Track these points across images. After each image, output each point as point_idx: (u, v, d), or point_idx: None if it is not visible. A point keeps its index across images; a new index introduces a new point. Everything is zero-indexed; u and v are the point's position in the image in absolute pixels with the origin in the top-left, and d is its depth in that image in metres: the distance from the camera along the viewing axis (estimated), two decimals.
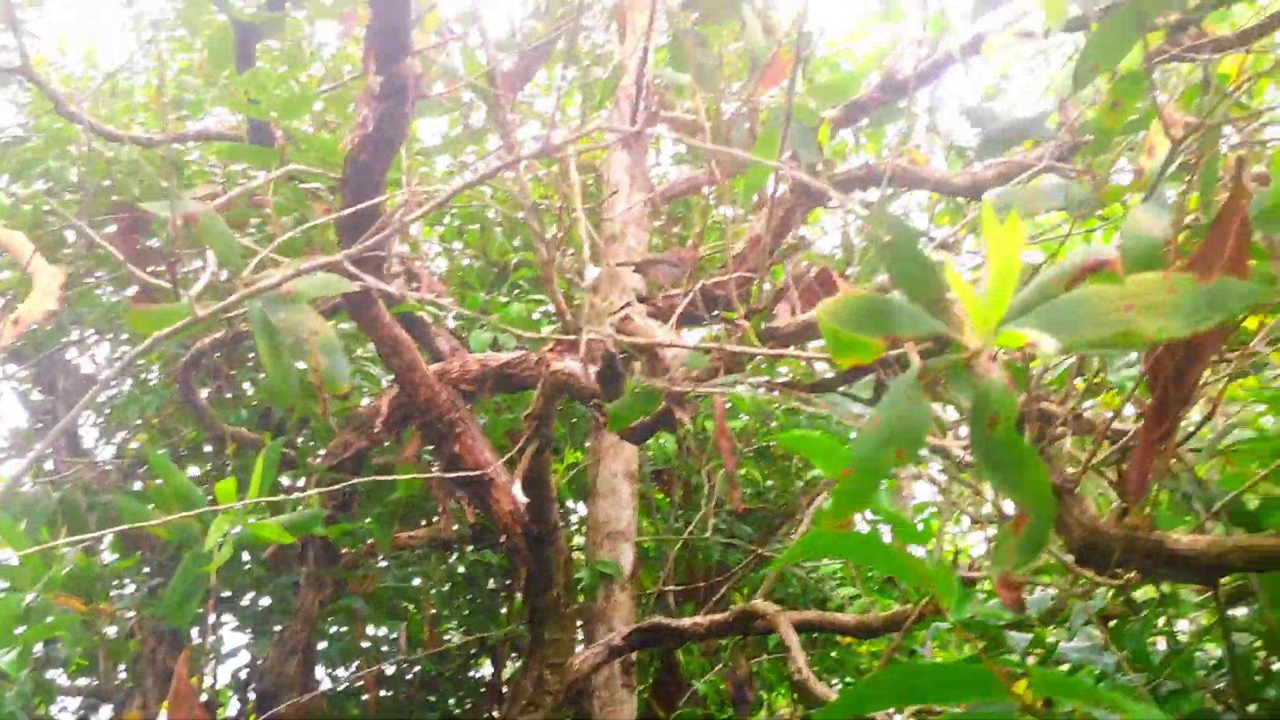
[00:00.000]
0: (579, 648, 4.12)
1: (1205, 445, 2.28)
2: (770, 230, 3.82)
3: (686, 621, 3.88)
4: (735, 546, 5.36)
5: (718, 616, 3.83)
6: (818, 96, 2.90)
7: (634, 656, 4.59)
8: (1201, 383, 2.21)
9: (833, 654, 5.48)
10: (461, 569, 5.23)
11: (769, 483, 5.78)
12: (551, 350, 3.58)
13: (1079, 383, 2.23)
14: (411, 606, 5.20)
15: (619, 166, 4.95)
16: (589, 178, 5.32)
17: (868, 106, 3.65)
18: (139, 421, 5.06)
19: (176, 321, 1.97)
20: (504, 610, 5.47)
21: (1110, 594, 2.28)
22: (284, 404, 4.39)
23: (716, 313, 3.43)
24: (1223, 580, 2.17)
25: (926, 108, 4.24)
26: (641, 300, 3.83)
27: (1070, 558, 2.18)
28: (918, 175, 3.74)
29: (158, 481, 3.49)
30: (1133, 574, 2.24)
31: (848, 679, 5.37)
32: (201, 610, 3.06)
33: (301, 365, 2.24)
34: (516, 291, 5.12)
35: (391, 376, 3.78)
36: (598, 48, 5.48)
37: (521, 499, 3.36)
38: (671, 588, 5.33)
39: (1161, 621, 2.27)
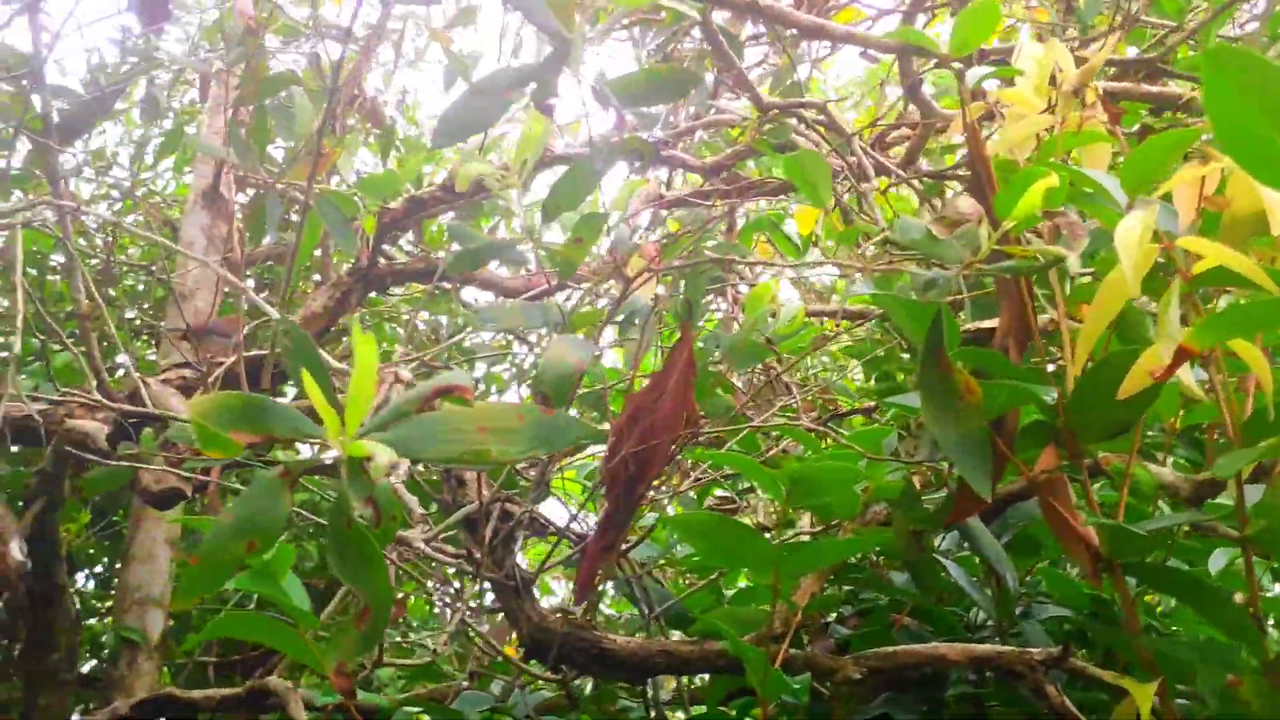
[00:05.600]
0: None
1: (652, 555, 2.50)
2: (327, 311, 3.90)
3: (199, 694, 3.80)
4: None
5: (229, 691, 3.77)
6: (364, 191, 3.01)
7: None
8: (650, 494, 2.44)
9: None
10: None
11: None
12: (80, 407, 3.48)
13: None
14: None
15: (195, 225, 4.87)
16: (165, 233, 5.21)
17: (430, 204, 3.80)
18: None
19: None
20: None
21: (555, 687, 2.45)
22: None
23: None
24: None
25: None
26: (187, 365, 3.80)
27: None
28: (473, 275, 3.91)
29: None
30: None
31: None
32: None
33: None
34: (72, 339, 4.93)
35: None
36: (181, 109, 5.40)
37: (18, 556, 3.23)
38: (210, 659, 5.19)
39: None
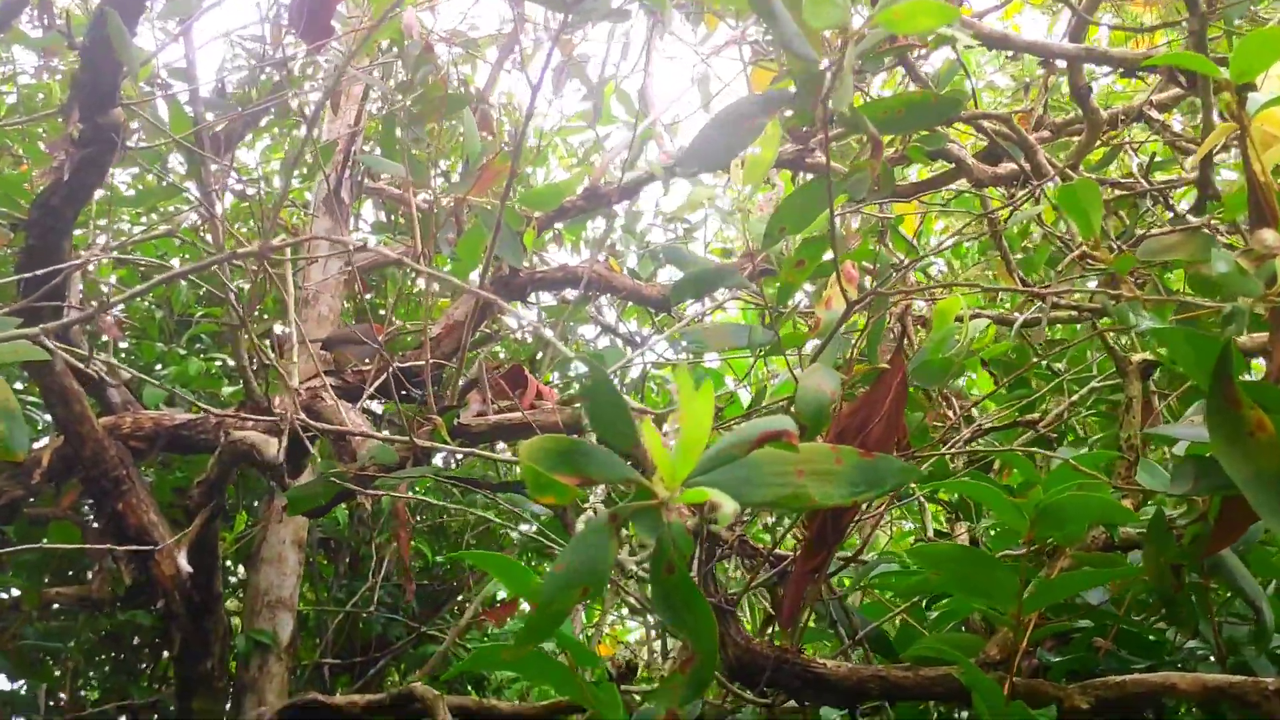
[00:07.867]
0: None
1: (854, 577, 2.48)
2: (470, 321, 3.90)
3: (343, 699, 3.81)
4: (398, 621, 5.32)
5: (375, 696, 3.78)
6: (525, 204, 3.01)
7: None
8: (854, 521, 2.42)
9: None
10: (108, 627, 4.96)
11: (439, 558, 5.76)
12: (234, 415, 3.49)
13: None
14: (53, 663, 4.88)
15: (319, 230, 4.90)
16: (288, 238, 5.24)
17: (570, 211, 3.81)
18: None
19: None
20: (147, 671, 5.21)
21: (757, 711, 2.43)
22: None
23: (405, 392, 3.45)
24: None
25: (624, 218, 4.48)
26: (330, 373, 3.81)
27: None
28: (611, 282, 3.91)
29: None
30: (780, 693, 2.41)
31: None
32: None
33: None
34: (198, 346, 4.97)
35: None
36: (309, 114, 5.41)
37: (186, 567, 3.26)
38: (328, 660, 5.23)
39: None
